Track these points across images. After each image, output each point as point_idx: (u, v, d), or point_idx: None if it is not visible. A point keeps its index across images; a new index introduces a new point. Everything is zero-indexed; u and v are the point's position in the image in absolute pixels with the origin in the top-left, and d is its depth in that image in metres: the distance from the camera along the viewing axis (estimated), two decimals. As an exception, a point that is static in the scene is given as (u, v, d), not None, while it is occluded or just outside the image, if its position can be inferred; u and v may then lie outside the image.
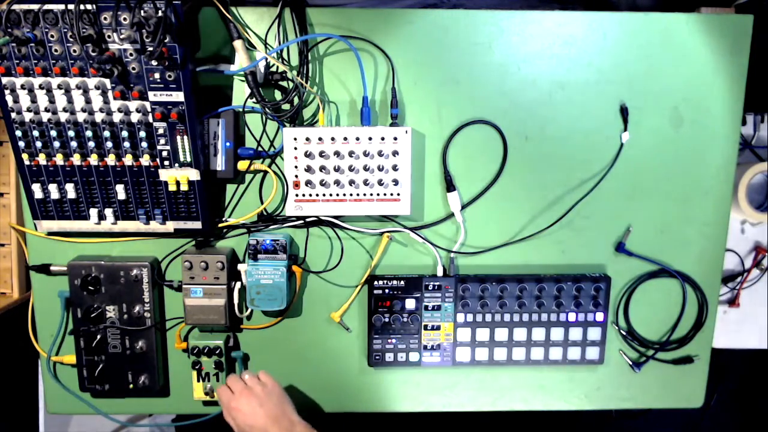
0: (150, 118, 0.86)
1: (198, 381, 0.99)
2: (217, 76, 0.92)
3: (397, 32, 0.94)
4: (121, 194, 0.91)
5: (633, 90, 0.98)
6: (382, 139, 0.92)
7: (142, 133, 0.87)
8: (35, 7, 0.78)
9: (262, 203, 0.97)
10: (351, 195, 0.94)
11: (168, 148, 0.88)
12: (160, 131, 0.87)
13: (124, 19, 0.79)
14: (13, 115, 0.85)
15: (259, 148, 0.95)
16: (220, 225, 0.97)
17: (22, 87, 0.84)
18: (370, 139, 0.92)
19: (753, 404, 2.05)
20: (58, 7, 0.79)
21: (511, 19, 0.95)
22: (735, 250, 1.19)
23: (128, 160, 0.88)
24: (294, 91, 0.91)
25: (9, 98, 0.84)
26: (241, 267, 0.95)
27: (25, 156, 0.88)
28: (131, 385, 0.99)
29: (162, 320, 1.00)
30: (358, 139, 0.91)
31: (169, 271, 0.99)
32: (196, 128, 0.87)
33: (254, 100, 0.91)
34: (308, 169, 0.93)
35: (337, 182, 0.93)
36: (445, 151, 0.98)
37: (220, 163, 0.93)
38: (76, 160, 0.88)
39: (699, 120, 0.99)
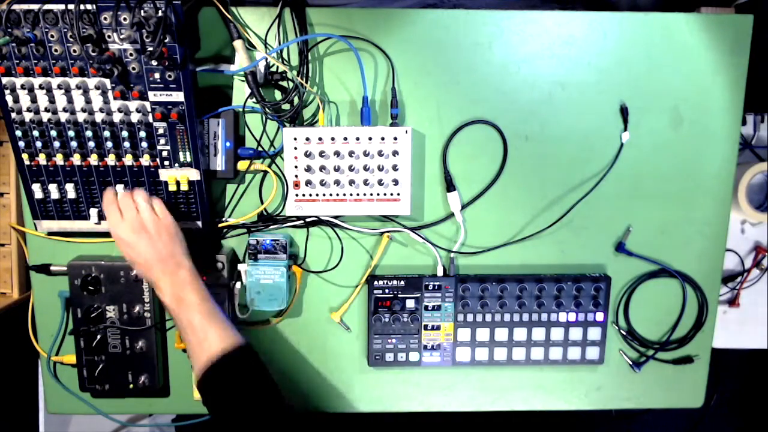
0: (150, 118, 0.86)
1: (198, 381, 0.99)
2: (217, 76, 0.92)
3: (397, 32, 0.94)
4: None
5: (633, 90, 0.98)
6: (382, 139, 0.92)
7: (142, 133, 0.87)
8: (35, 7, 0.78)
9: (262, 203, 0.97)
10: (351, 195, 0.94)
11: (168, 148, 0.88)
12: (160, 131, 0.87)
13: (124, 19, 0.79)
14: (13, 115, 0.85)
15: (259, 148, 0.95)
16: (220, 225, 0.97)
17: (22, 87, 0.84)
18: (370, 139, 0.92)
19: (753, 404, 2.05)
20: (58, 7, 0.78)
21: (511, 19, 0.95)
22: (735, 250, 1.19)
23: (128, 160, 0.88)
24: (294, 91, 0.91)
25: (9, 98, 0.84)
26: (241, 267, 0.95)
27: (25, 156, 0.88)
28: (131, 385, 0.99)
29: (162, 320, 1.00)
30: (358, 139, 0.91)
31: (169, 271, 0.99)
32: (196, 128, 0.87)
33: (254, 100, 0.91)
34: (308, 169, 0.93)
35: (337, 182, 0.93)
36: (445, 151, 0.98)
37: (220, 163, 0.93)
38: (76, 160, 0.88)
39: (699, 120, 0.99)
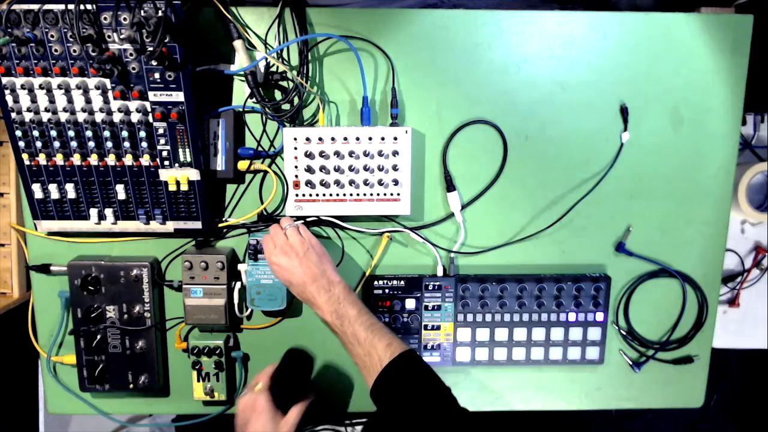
0: (150, 118, 0.86)
1: (198, 381, 0.99)
2: (217, 76, 0.92)
3: (397, 32, 0.94)
4: (121, 194, 0.91)
5: (633, 90, 0.98)
6: (382, 139, 0.92)
7: (142, 133, 0.87)
8: (35, 7, 0.79)
9: (262, 203, 0.97)
10: (351, 195, 0.94)
11: (168, 148, 0.88)
12: (160, 131, 0.87)
13: (124, 19, 0.79)
14: (13, 115, 0.85)
15: (259, 148, 0.95)
16: (220, 225, 0.97)
17: (22, 87, 0.84)
18: (370, 139, 0.92)
19: (753, 404, 2.05)
20: (58, 7, 0.79)
21: (511, 19, 0.95)
22: (735, 250, 1.19)
23: (128, 160, 0.88)
24: (294, 91, 0.91)
25: (9, 98, 0.84)
26: (241, 267, 0.95)
27: (25, 156, 0.88)
28: (131, 385, 0.99)
29: (162, 320, 1.00)
30: (358, 139, 0.91)
31: (169, 271, 0.99)
32: (196, 128, 0.87)
33: (254, 100, 0.91)
34: (308, 169, 0.93)
35: (337, 182, 0.93)
36: (445, 151, 0.98)
37: (220, 163, 0.93)
38: (76, 160, 0.88)
39: (699, 120, 0.99)
